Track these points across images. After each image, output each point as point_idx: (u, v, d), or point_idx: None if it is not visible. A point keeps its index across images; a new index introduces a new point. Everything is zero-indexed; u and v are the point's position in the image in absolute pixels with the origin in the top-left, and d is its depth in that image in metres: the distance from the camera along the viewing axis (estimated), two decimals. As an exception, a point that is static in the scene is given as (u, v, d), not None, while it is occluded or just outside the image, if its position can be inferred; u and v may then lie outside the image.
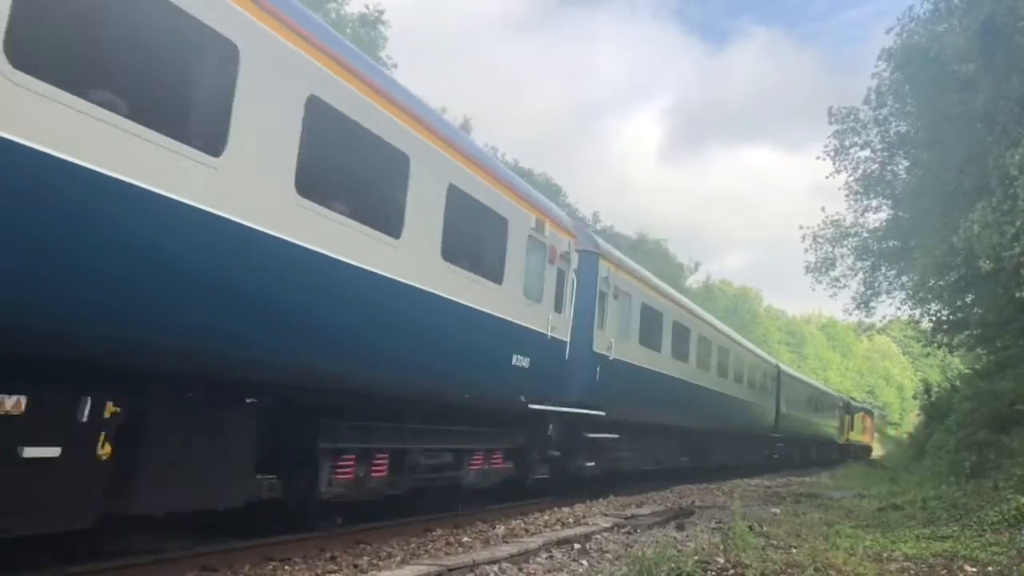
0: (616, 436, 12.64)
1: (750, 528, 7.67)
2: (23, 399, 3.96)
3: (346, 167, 6.30)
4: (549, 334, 9.94)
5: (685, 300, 18.48)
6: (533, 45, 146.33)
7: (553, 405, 10.11)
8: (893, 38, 17.69)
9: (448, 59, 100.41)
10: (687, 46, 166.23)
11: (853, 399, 52.24)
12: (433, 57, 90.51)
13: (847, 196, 22.52)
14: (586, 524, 8.88)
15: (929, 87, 15.87)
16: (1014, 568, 6.40)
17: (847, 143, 21.41)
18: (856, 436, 45.68)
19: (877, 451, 55.57)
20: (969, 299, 19.83)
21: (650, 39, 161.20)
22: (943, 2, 15.55)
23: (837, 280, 24.19)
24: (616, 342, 12.47)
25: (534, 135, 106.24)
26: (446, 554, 6.73)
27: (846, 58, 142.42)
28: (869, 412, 55.75)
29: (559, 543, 7.32)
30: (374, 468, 7.28)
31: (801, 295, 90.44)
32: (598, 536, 8.01)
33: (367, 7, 29.98)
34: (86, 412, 4.33)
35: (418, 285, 6.98)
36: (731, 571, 5.56)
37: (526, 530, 8.38)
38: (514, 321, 8.99)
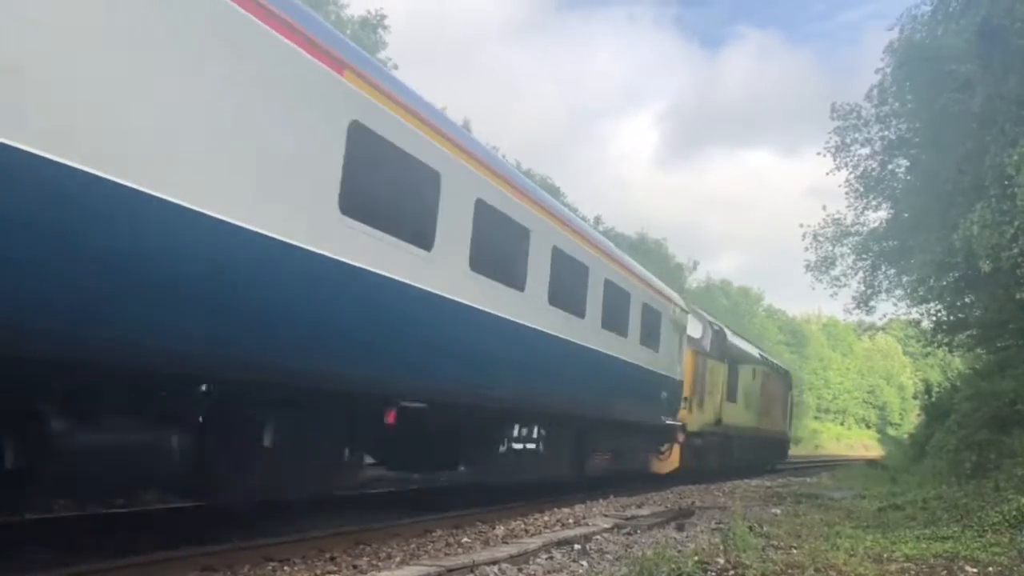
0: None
1: (750, 529, 7.66)
2: None
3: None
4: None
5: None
6: (532, 48, 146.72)
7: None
8: (895, 35, 17.76)
9: (449, 61, 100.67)
10: (686, 51, 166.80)
11: (736, 333, 24.59)
12: (434, 59, 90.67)
13: (847, 194, 22.49)
14: (586, 525, 8.87)
15: (927, 86, 15.88)
16: (1015, 569, 6.39)
17: (848, 140, 21.39)
18: (737, 416, 21.79)
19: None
20: (969, 299, 19.81)
21: (649, 43, 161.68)
22: (941, 5, 15.58)
23: (837, 279, 24.11)
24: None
25: (533, 136, 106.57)
26: (446, 555, 6.73)
27: (844, 60, 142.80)
28: (782, 374, 30.04)
29: (559, 544, 7.31)
30: None
31: (799, 296, 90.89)
32: (598, 537, 7.99)
33: (369, 11, 29.94)
34: None
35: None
36: (731, 572, 5.56)
37: (526, 531, 8.37)
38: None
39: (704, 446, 18.77)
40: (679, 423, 16.26)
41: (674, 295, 16.77)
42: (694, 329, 18.58)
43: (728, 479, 19.11)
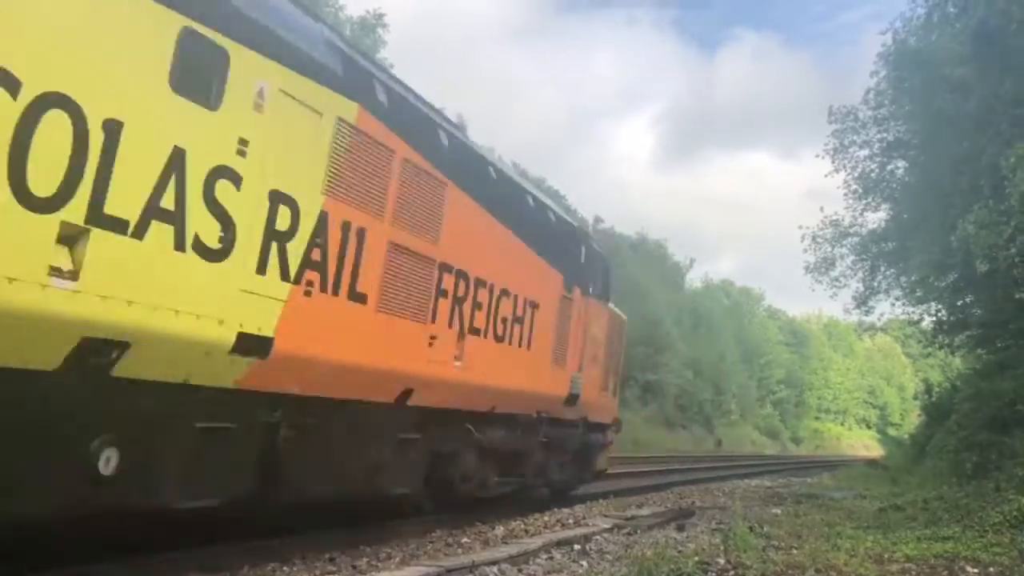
0: None
1: (751, 529, 7.66)
2: None
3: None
4: None
5: None
6: (532, 50, 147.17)
7: None
8: (888, 40, 17.85)
9: (449, 63, 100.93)
10: (684, 53, 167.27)
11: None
12: (433, 60, 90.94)
13: (845, 195, 22.51)
14: (586, 525, 8.86)
15: (922, 89, 15.93)
16: (1016, 569, 6.39)
17: (846, 142, 21.41)
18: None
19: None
20: (968, 300, 19.82)
21: (648, 46, 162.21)
22: (936, 9, 15.64)
23: (837, 280, 24.12)
24: None
25: (532, 138, 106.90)
26: (445, 555, 6.72)
27: (844, 62, 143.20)
28: (588, 259, 10.87)
29: (559, 544, 7.30)
30: None
31: (800, 297, 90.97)
32: (598, 537, 7.99)
33: (368, 11, 29.99)
34: None
35: None
36: (731, 572, 5.56)
37: (526, 531, 8.36)
38: None
39: None
40: None
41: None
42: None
43: (728, 479, 19.08)
